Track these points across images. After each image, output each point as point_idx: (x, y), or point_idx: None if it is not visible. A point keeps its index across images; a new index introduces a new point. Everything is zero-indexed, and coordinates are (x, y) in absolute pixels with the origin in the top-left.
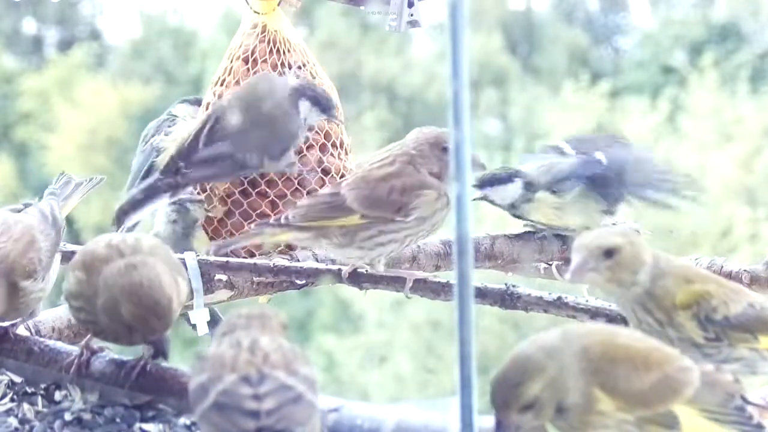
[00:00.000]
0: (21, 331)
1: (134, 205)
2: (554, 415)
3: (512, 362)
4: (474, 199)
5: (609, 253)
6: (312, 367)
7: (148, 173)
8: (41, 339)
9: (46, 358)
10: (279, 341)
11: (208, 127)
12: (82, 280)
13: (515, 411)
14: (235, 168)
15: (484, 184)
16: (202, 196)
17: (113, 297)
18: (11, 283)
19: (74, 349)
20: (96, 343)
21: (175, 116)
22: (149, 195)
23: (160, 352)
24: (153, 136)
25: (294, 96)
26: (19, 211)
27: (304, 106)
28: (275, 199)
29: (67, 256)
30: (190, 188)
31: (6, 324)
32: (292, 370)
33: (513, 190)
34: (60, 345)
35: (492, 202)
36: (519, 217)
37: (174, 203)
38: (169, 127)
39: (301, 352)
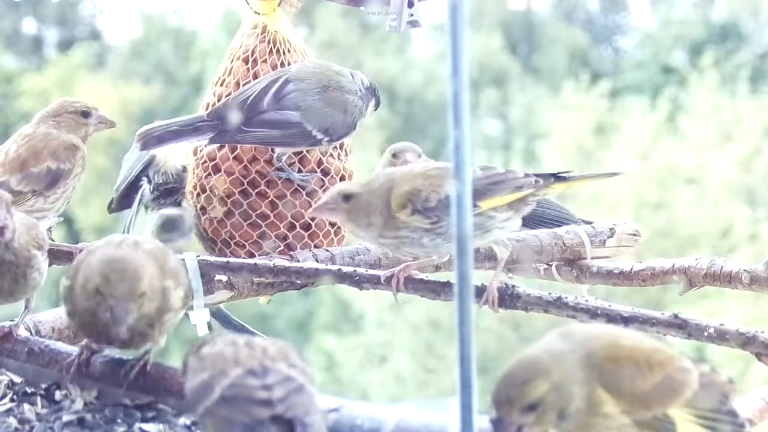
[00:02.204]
0: (21, 331)
1: (166, 136)
2: (556, 422)
3: (519, 363)
4: None
5: (347, 197)
6: (304, 362)
7: (145, 168)
8: (41, 339)
9: (46, 358)
10: (271, 339)
11: (274, 89)
12: (66, 286)
13: (518, 409)
14: (300, 138)
15: None
16: (190, 205)
17: (86, 277)
18: (28, 251)
19: (74, 349)
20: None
21: None
22: (189, 132)
23: (116, 318)
24: None
25: (369, 93)
26: None
27: (371, 105)
28: (275, 199)
29: (68, 257)
30: (184, 203)
31: (8, 324)
32: (292, 362)
33: None
34: (60, 345)
35: None
36: None
37: (161, 223)
38: None
39: (293, 348)
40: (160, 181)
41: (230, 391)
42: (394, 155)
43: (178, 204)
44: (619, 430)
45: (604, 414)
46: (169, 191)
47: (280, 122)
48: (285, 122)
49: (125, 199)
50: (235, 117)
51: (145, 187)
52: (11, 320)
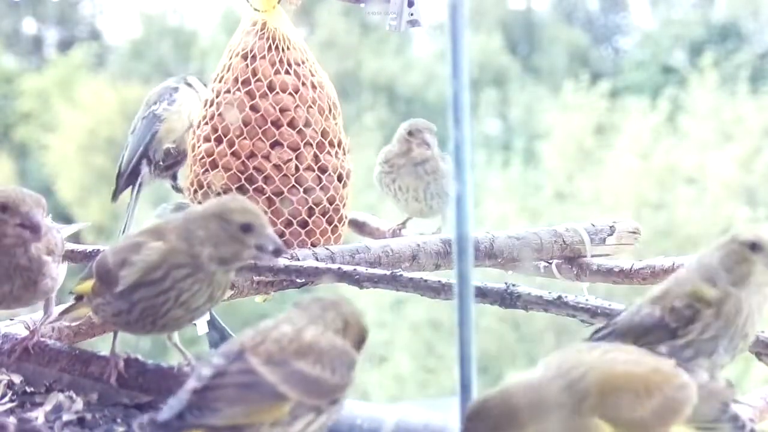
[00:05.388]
0: (20, 330)
1: None
2: None
3: (496, 401)
4: None
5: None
6: (324, 365)
7: (150, 142)
8: (41, 339)
9: (46, 358)
10: (314, 332)
11: None
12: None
13: None
14: None
15: None
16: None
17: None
18: (40, 257)
19: (73, 349)
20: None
21: (189, 84)
22: None
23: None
24: (156, 103)
25: None
26: None
27: None
28: (272, 195)
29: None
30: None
31: (27, 335)
32: (277, 360)
33: None
34: (60, 345)
35: None
36: None
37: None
38: (173, 94)
39: (324, 350)
40: (159, 160)
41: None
42: (410, 133)
43: (175, 177)
44: None
45: None
46: (168, 167)
47: None
48: None
49: (128, 180)
50: None
51: (145, 171)
52: (29, 326)
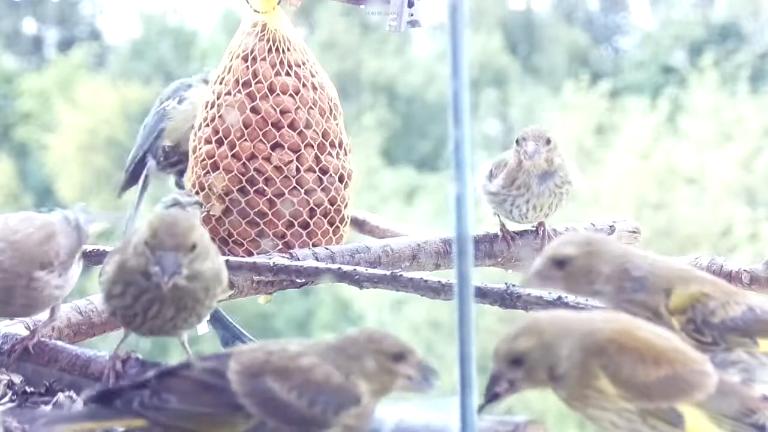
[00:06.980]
0: (20, 330)
1: None
2: (551, 383)
3: (519, 322)
4: None
5: (560, 263)
6: (303, 394)
7: (157, 138)
8: (41, 339)
9: (46, 358)
10: (312, 361)
11: None
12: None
13: (505, 363)
14: None
15: None
16: (199, 197)
17: (137, 237)
18: (25, 273)
19: (74, 349)
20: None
21: (207, 81)
22: None
23: (165, 269)
24: (168, 99)
25: None
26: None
27: None
28: (273, 197)
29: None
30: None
31: (27, 335)
32: (253, 372)
33: None
34: (60, 344)
35: None
36: None
37: (171, 206)
38: (185, 92)
39: (313, 380)
40: (163, 157)
41: None
42: (517, 141)
43: (181, 173)
44: (618, 414)
45: (596, 388)
46: (173, 163)
47: None
48: None
49: (133, 175)
50: None
51: (151, 163)
52: (29, 327)
